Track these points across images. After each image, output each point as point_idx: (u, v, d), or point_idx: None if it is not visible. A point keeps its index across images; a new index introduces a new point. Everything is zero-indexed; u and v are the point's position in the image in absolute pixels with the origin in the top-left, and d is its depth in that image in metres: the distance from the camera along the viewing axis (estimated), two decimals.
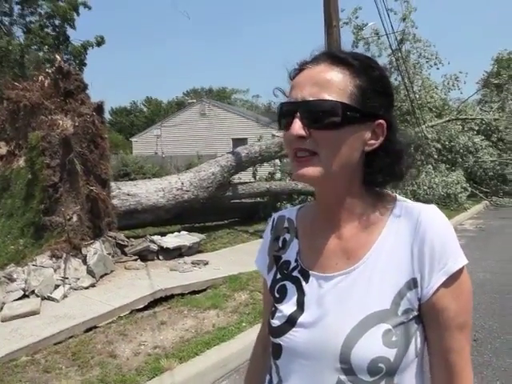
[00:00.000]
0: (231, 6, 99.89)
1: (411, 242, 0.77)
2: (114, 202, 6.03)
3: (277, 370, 0.86)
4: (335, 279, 0.80)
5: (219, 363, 3.23)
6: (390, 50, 12.74)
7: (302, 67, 0.80)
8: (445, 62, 14.33)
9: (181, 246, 6.05)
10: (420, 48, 14.16)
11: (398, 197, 0.85)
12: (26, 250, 4.85)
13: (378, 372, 0.73)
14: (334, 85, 0.74)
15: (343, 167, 0.76)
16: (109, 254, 5.26)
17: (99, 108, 5.79)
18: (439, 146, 13.52)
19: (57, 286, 4.36)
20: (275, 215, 1.01)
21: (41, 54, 16.26)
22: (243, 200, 9.60)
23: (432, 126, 13.83)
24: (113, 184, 6.27)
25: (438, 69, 14.47)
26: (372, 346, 0.73)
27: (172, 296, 4.49)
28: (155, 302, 4.33)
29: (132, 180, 9.49)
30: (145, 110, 47.34)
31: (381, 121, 0.77)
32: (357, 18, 13.84)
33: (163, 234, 6.47)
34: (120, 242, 5.64)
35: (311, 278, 0.83)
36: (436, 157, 13.12)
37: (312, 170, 0.75)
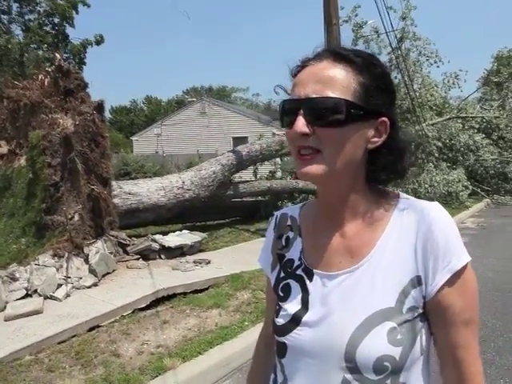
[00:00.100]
0: (231, 4, 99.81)
1: (415, 240, 0.76)
2: (116, 201, 6.03)
3: (282, 368, 0.86)
4: (339, 278, 0.80)
5: (222, 362, 3.23)
6: (390, 48, 12.72)
7: (304, 64, 0.79)
8: (445, 60, 14.31)
9: (182, 244, 6.05)
10: (420, 46, 14.13)
11: (401, 194, 0.85)
12: (28, 250, 4.85)
13: (384, 370, 0.73)
14: (338, 82, 0.74)
15: (347, 165, 0.76)
16: (111, 253, 5.25)
17: (99, 107, 5.78)
18: (440, 144, 13.51)
19: (59, 285, 4.37)
20: (278, 213, 1.01)
21: (40, 52, 16.23)
22: (244, 199, 9.60)
23: (432, 125, 13.81)
24: (114, 183, 6.27)
25: (438, 67, 14.46)
26: (377, 345, 0.73)
27: (174, 295, 4.49)
28: (157, 301, 4.33)
29: (133, 179, 9.49)
30: (145, 108, 47.30)
31: (384, 118, 0.77)
32: (356, 15, 13.82)
33: (165, 233, 6.47)
34: (122, 241, 5.64)
35: (315, 277, 0.83)
36: (437, 155, 13.10)
37: (316, 168, 0.75)
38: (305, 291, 0.83)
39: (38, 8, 16.54)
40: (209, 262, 5.62)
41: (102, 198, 5.40)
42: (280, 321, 0.84)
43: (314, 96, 0.74)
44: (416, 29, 13.83)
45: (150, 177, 10.13)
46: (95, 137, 5.48)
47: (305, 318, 0.80)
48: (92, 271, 4.72)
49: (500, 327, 3.89)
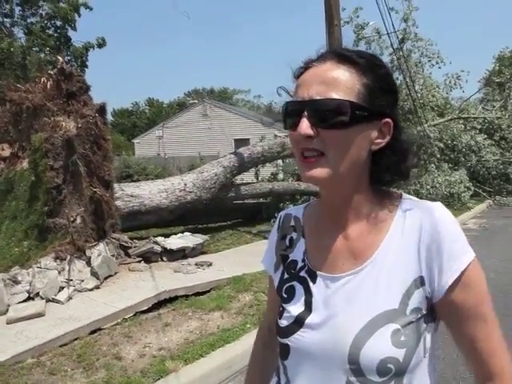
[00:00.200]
0: (230, 5, 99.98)
1: (418, 240, 0.76)
2: (118, 203, 6.04)
3: (284, 370, 0.86)
4: (342, 280, 0.80)
5: (224, 365, 3.22)
6: (392, 49, 12.72)
7: (307, 65, 0.79)
8: (446, 61, 14.30)
9: (184, 247, 6.05)
10: (422, 47, 14.13)
11: (404, 194, 0.85)
12: (30, 252, 4.85)
13: (387, 372, 0.73)
14: (342, 83, 0.73)
15: (351, 167, 0.76)
16: (112, 255, 5.26)
17: (102, 109, 5.80)
18: (441, 145, 13.48)
19: (61, 288, 4.37)
20: (282, 213, 1.01)
21: (42, 55, 16.27)
22: (246, 201, 9.59)
23: (434, 125, 13.79)
24: (116, 185, 6.28)
25: (439, 68, 14.45)
26: (381, 347, 0.73)
27: (176, 297, 4.49)
28: (159, 304, 4.33)
29: (135, 181, 9.51)
30: (147, 111, 47.39)
31: (388, 119, 0.77)
32: (358, 17, 13.83)
33: (166, 236, 6.47)
34: (124, 243, 5.64)
35: (318, 279, 0.83)
36: (439, 156, 13.08)
37: (320, 172, 0.74)
38: (308, 293, 0.83)
39: (40, 11, 16.60)
40: (211, 265, 5.62)
41: (104, 201, 5.41)
42: (283, 322, 0.84)
43: (318, 98, 0.73)
44: (418, 30, 13.85)
45: (152, 179, 10.13)
46: (97, 139, 5.49)
47: (308, 320, 0.80)
48: (94, 274, 4.72)
49: (503, 328, 3.87)
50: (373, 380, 0.73)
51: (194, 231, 7.37)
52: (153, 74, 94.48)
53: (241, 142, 17.92)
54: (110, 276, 4.91)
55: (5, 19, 16.26)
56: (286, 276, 0.90)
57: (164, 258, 5.85)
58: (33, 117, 5.48)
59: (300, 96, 0.76)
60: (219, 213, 8.86)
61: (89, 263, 4.82)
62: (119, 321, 3.92)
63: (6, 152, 5.66)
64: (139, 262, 5.55)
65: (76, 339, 3.53)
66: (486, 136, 15.23)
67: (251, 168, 9.49)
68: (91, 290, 4.54)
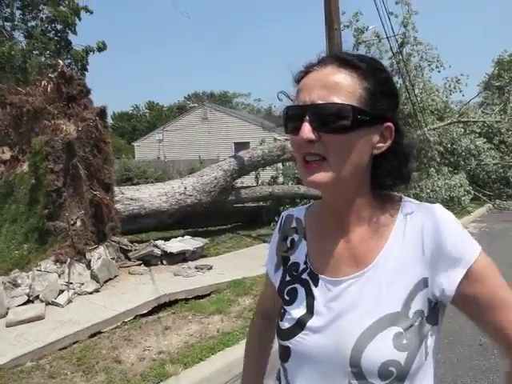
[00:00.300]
0: (230, 10, 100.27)
1: (421, 242, 0.76)
2: (118, 206, 6.04)
3: (285, 373, 0.86)
4: (345, 283, 0.80)
5: (224, 368, 3.22)
6: (391, 53, 12.75)
7: (308, 70, 0.79)
8: (446, 65, 14.34)
9: (184, 250, 6.05)
10: (421, 51, 14.16)
11: (404, 197, 0.85)
12: (30, 255, 4.85)
13: (389, 376, 0.72)
14: (343, 88, 0.73)
15: (353, 172, 0.76)
16: (112, 258, 5.26)
17: (102, 112, 5.81)
18: (441, 148, 13.50)
19: (61, 291, 4.36)
20: (284, 214, 1.00)
21: (43, 59, 16.29)
22: (246, 204, 9.59)
23: (434, 129, 13.81)
24: (116, 189, 6.28)
25: (439, 72, 14.48)
26: (383, 350, 0.73)
27: (176, 301, 4.48)
28: (159, 307, 4.32)
29: (135, 185, 9.51)
30: (147, 114, 47.46)
31: (389, 123, 0.77)
32: (357, 21, 13.87)
33: (166, 239, 6.47)
34: (124, 246, 5.64)
35: (320, 282, 0.83)
36: (438, 160, 13.09)
37: (323, 176, 0.74)
38: (310, 296, 0.83)
39: (41, 15, 16.63)
40: (210, 268, 5.62)
41: (104, 204, 5.41)
42: (284, 324, 0.84)
43: (320, 102, 0.73)
44: (417, 34, 13.89)
45: (152, 182, 10.14)
46: (98, 143, 5.50)
47: (309, 323, 0.80)
48: (94, 277, 4.72)
49: None
50: (374, 383, 0.73)
51: (194, 234, 7.36)
52: (153, 77, 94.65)
53: (241, 146, 17.93)
54: (110, 279, 4.91)
55: (5, 23, 16.31)
56: (287, 278, 0.90)
57: (164, 262, 5.84)
58: (33, 120, 5.48)
59: (301, 100, 0.76)
60: (219, 216, 8.86)
61: (89, 266, 4.82)
62: (119, 324, 3.91)
63: (7, 155, 5.67)
64: (139, 265, 5.54)
65: (76, 342, 3.52)
66: (485, 140, 15.26)
67: (251, 171, 9.48)
68: (91, 293, 4.54)
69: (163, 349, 3.45)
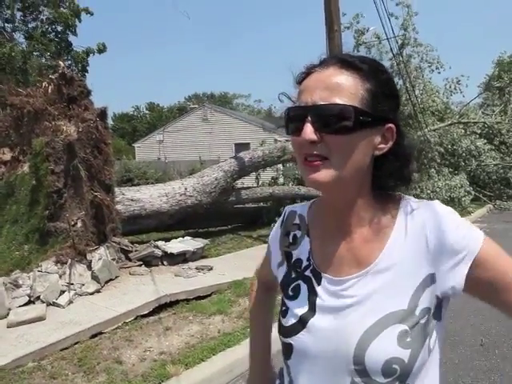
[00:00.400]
0: (232, 11, 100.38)
1: (424, 239, 0.76)
2: (118, 207, 6.04)
3: (287, 370, 0.87)
4: (348, 283, 0.80)
5: (225, 369, 3.22)
6: (391, 54, 12.75)
7: (309, 71, 0.79)
8: (446, 66, 14.33)
9: (185, 251, 6.05)
10: (421, 52, 14.17)
11: (403, 196, 0.85)
12: (31, 256, 4.85)
13: (393, 373, 0.73)
14: (345, 89, 0.73)
15: (355, 172, 0.76)
16: (113, 259, 5.26)
17: (102, 114, 5.82)
18: (442, 149, 13.49)
19: (62, 292, 4.36)
20: (287, 209, 1.00)
21: (43, 60, 16.31)
22: (246, 205, 9.59)
23: (434, 130, 13.80)
24: (117, 189, 6.28)
25: (439, 73, 14.49)
26: (386, 347, 0.73)
27: (177, 302, 4.48)
28: (160, 308, 4.32)
29: (135, 185, 9.50)
30: (147, 115, 47.50)
31: (391, 125, 0.77)
32: (358, 22, 13.87)
33: (167, 240, 6.47)
34: (124, 247, 5.64)
35: (323, 280, 0.83)
36: (439, 161, 13.09)
37: (324, 175, 0.74)
38: (313, 293, 0.83)
39: (41, 16, 16.66)
40: (211, 269, 5.62)
41: (105, 205, 5.42)
42: (287, 321, 0.85)
43: (322, 103, 0.73)
44: (417, 35, 13.89)
45: (153, 183, 10.14)
46: (98, 144, 5.51)
47: (312, 321, 0.81)
48: (95, 278, 4.72)
49: (504, 334, 3.87)
50: (378, 381, 0.73)
51: (194, 235, 7.37)
52: (153, 78, 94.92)
53: (241, 147, 17.94)
54: (111, 280, 4.91)
55: (6, 24, 16.33)
56: (293, 275, 0.89)
57: (165, 262, 5.84)
58: (34, 121, 5.49)
59: (303, 101, 0.76)
60: (220, 217, 8.86)
61: (89, 267, 4.82)
62: (120, 325, 3.91)
63: (7, 156, 5.67)
64: (140, 265, 5.54)
65: (77, 343, 3.53)
66: (485, 141, 15.26)
67: (252, 172, 9.49)
68: (92, 293, 4.54)
69: (164, 349, 3.45)
